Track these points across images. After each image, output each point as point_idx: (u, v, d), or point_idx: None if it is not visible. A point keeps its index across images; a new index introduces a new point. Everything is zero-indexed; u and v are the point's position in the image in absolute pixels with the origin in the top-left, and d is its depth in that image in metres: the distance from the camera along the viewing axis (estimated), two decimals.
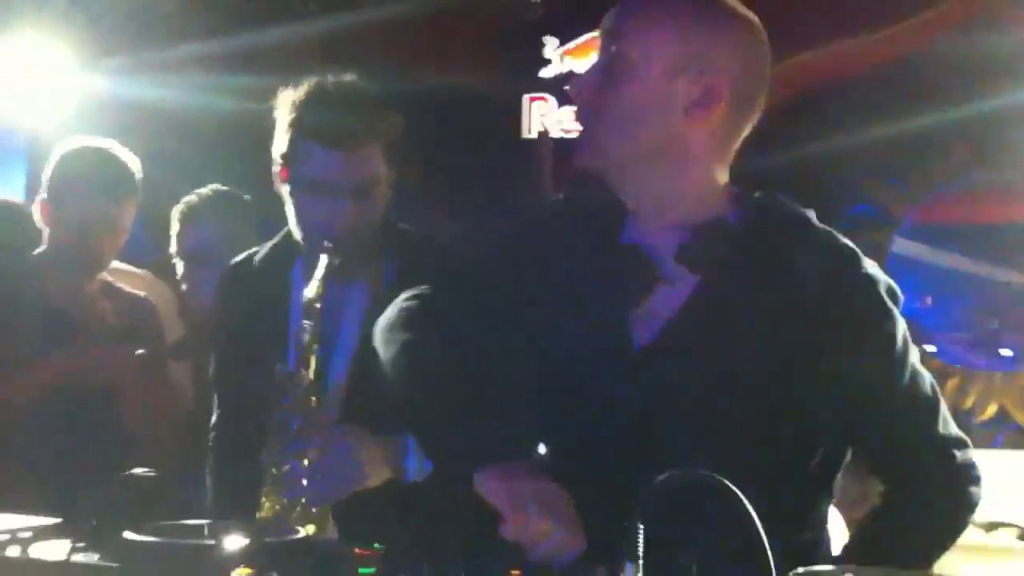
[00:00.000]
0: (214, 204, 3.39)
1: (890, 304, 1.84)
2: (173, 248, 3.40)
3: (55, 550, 1.71)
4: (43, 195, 3.08)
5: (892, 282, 1.86)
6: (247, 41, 5.25)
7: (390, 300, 2.12)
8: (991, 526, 4.75)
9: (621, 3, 1.86)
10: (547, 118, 5.96)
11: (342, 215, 2.36)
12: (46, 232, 3.09)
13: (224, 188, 3.45)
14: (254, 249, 2.64)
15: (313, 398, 2.14)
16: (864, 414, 1.84)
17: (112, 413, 2.94)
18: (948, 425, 1.90)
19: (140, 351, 2.96)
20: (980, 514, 5.32)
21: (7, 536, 1.68)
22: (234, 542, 1.52)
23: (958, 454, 1.90)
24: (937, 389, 1.90)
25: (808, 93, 5.51)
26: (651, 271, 1.82)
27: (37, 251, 3.14)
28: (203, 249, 3.29)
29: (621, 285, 1.83)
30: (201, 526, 1.71)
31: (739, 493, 1.39)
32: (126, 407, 2.98)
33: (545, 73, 5.98)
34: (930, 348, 5.35)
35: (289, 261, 2.52)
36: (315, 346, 2.12)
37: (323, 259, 2.25)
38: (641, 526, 1.39)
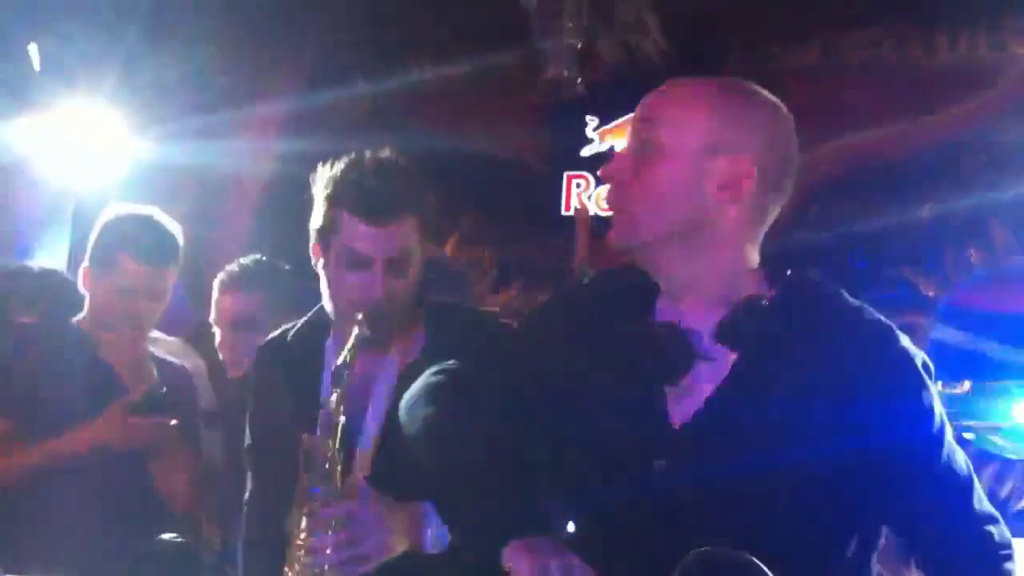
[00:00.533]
0: (255, 274, 3.44)
1: (927, 379, 1.85)
2: (212, 316, 3.45)
3: None
4: (86, 262, 3.13)
5: (926, 357, 1.87)
6: (295, 107, 5.33)
7: (420, 371, 2.14)
8: None
9: (654, 90, 1.93)
10: (585, 195, 6.02)
11: (375, 288, 2.38)
12: (87, 298, 3.13)
13: (265, 259, 3.51)
14: (290, 325, 2.67)
15: (339, 467, 2.14)
16: (901, 490, 1.83)
17: (144, 479, 2.95)
18: (983, 502, 1.90)
19: (174, 420, 2.97)
20: None
21: None
22: None
23: (994, 531, 1.88)
24: (971, 465, 1.90)
25: (851, 174, 5.54)
26: (687, 348, 1.82)
27: (77, 317, 3.18)
28: (242, 318, 3.35)
29: (658, 363, 1.84)
30: None
31: (769, 573, 1.39)
32: (159, 473, 2.99)
33: (586, 152, 6.06)
34: (968, 435, 5.30)
35: (323, 335, 2.54)
36: (341, 415, 2.13)
37: (354, 331, 2.27)
38: None
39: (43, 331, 3.15)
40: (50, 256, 5.01)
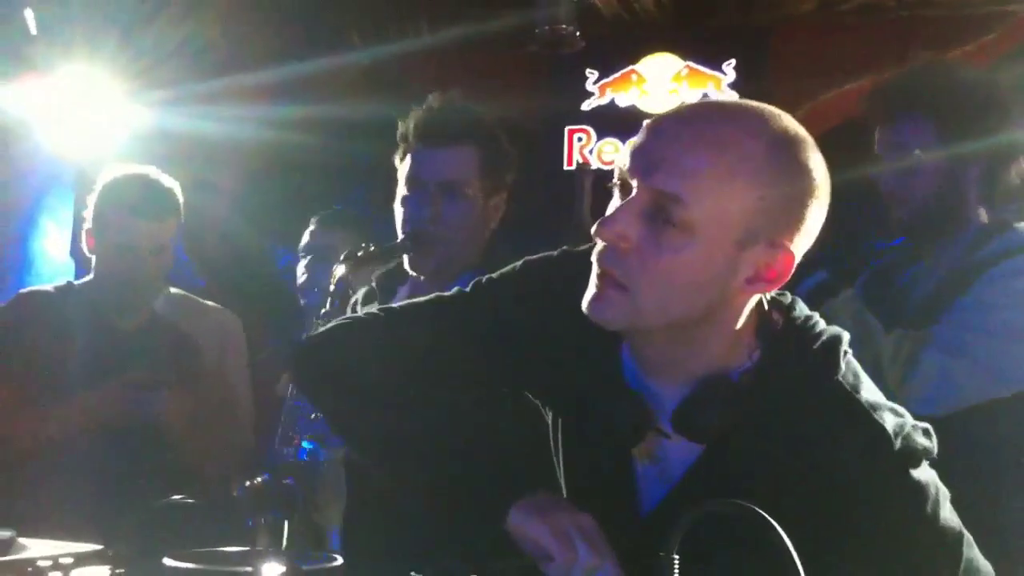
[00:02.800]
0: (345, 215, 3.85)
1: (937, 514, 1.59)
2: (303, 243, 3.75)
3: None
4: (88, 224, 3.14)
5: (938, 483, 1.61)
6: (292, 71, 5.31)
7: None
8: None
9: (674, 120, 1.58)
10: (586, 149, 6.02)
11: (424, 208, 2.47)
12: (92, 261, 3.14)
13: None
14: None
15: None
16: None
17: (155, 445, 2.96)
18: None
19: (166, 393, 2.97)
20: None
21: (49, 562, 1.70)
22: (271, 570, 1.53)
23: None
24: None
25: (848, 124, 5.52)
26: (653, 423, 1.62)
27: (83, 280, 3.18)
28: (327, 248, 3.56)
29: (624, 432, 1.64)
30: (241, 553, 1.72)
31: (775, 523, 1.31)
32: (173, 440, 3.00)
33: (586, 106, 6.05)
34: None
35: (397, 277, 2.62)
36: None
37: (405, 259, 2.45)
38: (676, 557, 1.38)
39: (50, 297, 3.16)
40: (56, 223, 5.03)
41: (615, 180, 1.58)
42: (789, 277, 1.56)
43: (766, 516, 1.32)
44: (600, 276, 1.56)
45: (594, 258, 1.56)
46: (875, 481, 1.55)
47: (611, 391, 1.66)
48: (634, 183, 1.53)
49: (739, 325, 1.60)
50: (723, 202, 1.49)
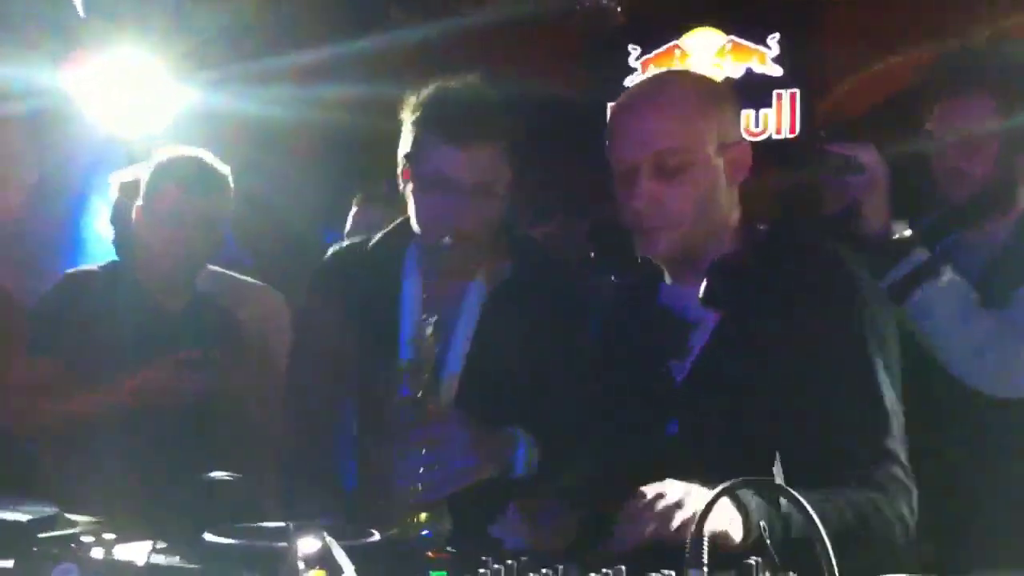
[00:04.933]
0: (385, 192, 3.72)
1: (864, 304, 2.01)
2: (348, 224, 3.84)
3: (138, 552, 1.77)
4: (139, 201, 3.18)
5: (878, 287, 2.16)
6: (339, 52, 5.34)
7: (507, 297, 2.38)
8: None
9: (643, 96, 2.14)
10: None
11: (463, 211, 2.39)
12: (141, 236, 3.17)
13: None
14: (367, 237, 2.69)
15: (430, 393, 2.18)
16: (814, 399, 1.95)
17: (203, 422, 2.99)
18: (886, 443, 1.95)
19: (213, 371, 2.99)
20: None
21: (91, 538, 1.74)
22: (309, 544, 1.56)
23: (898, 471, 1.94)
24: (896, 408, 1.99)
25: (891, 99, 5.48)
26: (682, 324, 2.09)
27: (127, 259, 3.23)
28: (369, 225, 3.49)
29: (662, 339, 2.11)
30: (280, 528, 1.76)
31: (803, 500, 1.43)
32: (220, 418, 3.03)
33: (628, 81, 6.02)
34: None
35: (403, 249, 2.58)
36: (437, 342, 2.15)
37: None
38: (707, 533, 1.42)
39: (96, 276, 3.20)
40: (106, 203, 5.09)
41: (620, 167, 2.09)
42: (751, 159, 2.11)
43: (795, 493, 1.46)
44: (648, 230, 2.08)
45: (634, 222, 2.08)
46: (824, 283, 2.02)
47: (652, 314, 2.16)
48: (637, 160, 2.05)
49: (733, 220, 2.12)
50: (700, 135, 2.05)
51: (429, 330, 2.13)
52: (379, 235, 2.65)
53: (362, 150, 5.69)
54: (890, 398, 1.98)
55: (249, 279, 3.63)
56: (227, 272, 3.54)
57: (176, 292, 3.19)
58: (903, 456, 1.97)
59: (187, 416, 2.95)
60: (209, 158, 3.17)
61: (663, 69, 5.95)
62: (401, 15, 5.66)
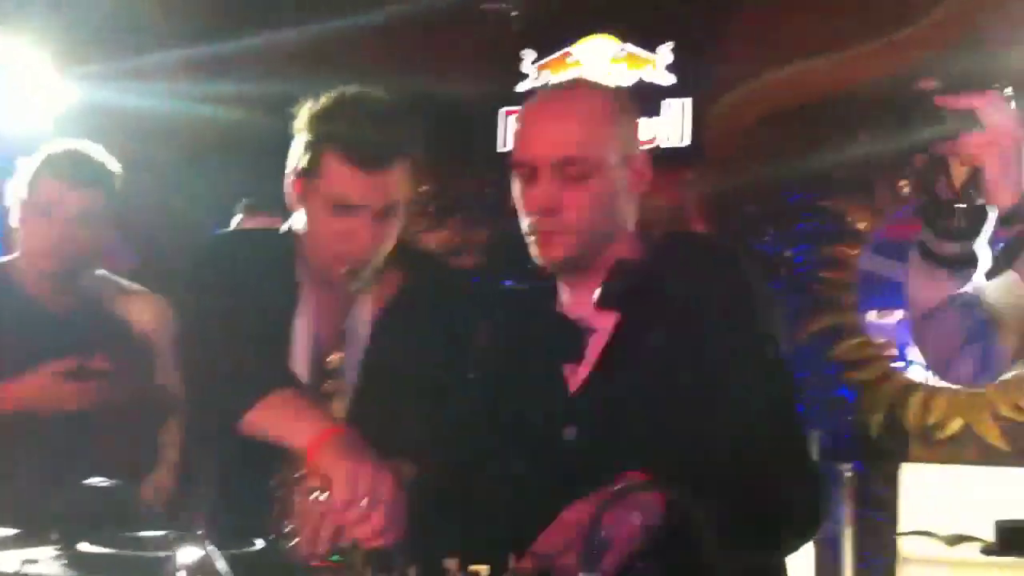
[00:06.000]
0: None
1: (762, 302, 2.06)
2: None
3: (8, 561, 1.71)
4: (22, 195, 3.08)
5: (768, 291, 2.18)
6: (227, 48, 5.27)
7: (395, 315, 2.35)
8: (955, 539, 4.80)
9: (556, 119, 2.08)
10: None
11: (364, 237, 2.27)
12: (21, 232, 3.07)
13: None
14: (252, 228, 2.60)
15: None
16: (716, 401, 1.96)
17: (86, 432, 2.92)
18: (798, 435, 2.03)
19: (96, 381, 2.92)
20: (945, 527, 5.34)
21: None
22: (190, 554, 1.54)
23: (803, 463, 2.01)
24: (788, 391, 2.06)
25: (786, 106, 5.58)
26: (579, 329, 2.09)
27: (8, 258, 3.13)
28: None
29: (559, 344, 2.11)
30: (160, 537, 1.73)
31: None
32: (103, 428, 2.96)
33: (522, 87, 6.03)
34: (897, 364, 5.40)
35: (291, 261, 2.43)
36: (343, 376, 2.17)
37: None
38: None
39: None
40: None
41: (521, 170, 2.06)
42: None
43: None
44: (547, 235, 2.05)
45: (532, 226, 2.05)
46: (716, 286, 2.04)
47: (552, 320, 2.15)
48: (541, 164, 2.03)
49: (628, 225, 2.13)
50: (606, 144, 2.05)
51: (334, 363, 2.16)
52: (266, 234, 2.58)
53: (254, 148, 5.62)
54: (788, 391, 2.05)
55: (135, 285, 3.53)
56: (112, 277, 3.43)
57: (60, 293, 3.08)
58: (809, 450, 2.04)
59: (70, 422, 2.88)
60: (93, 150, 3.08)
61: (559, 75, 6.03)
62: (296, 12, 5.60)
